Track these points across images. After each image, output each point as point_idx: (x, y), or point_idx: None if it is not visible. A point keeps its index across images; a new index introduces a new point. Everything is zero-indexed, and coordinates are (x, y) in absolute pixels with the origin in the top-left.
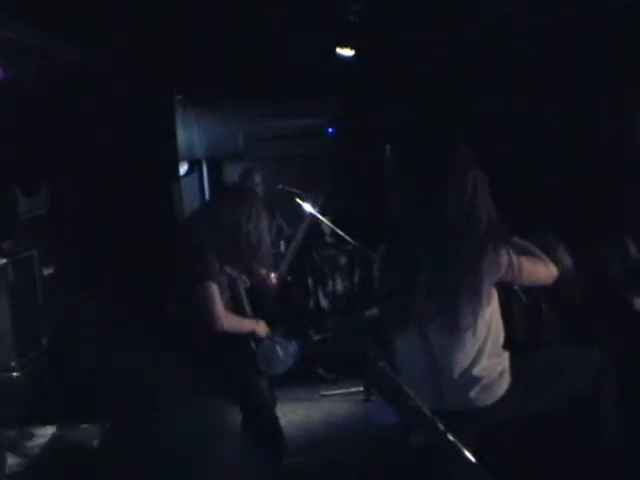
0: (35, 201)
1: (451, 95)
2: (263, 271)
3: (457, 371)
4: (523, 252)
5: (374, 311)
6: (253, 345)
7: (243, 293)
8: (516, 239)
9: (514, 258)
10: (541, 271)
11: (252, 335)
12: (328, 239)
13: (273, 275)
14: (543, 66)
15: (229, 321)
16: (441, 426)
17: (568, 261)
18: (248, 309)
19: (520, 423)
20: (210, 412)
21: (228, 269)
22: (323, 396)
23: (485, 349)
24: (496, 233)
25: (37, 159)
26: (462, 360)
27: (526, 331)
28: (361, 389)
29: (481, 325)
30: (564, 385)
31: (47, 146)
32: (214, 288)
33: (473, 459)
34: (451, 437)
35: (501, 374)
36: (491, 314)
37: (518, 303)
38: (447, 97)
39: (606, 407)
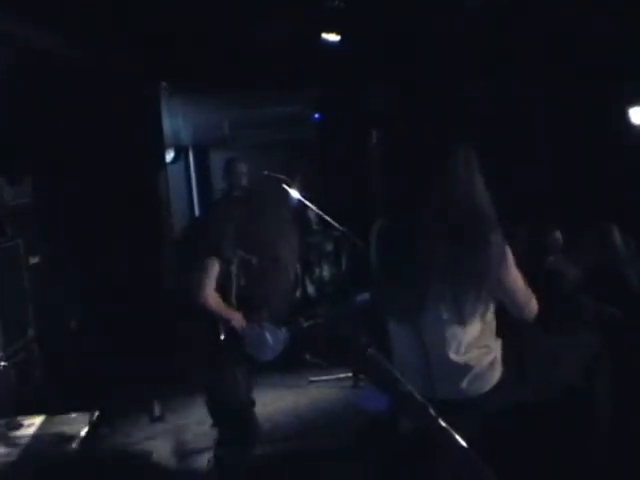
0: (19, 190)
1: (435, 82)
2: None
3: (448, 360)
4: None
5: (365, 296)
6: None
7: (234, 285)
8: None
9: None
10: (524, 292)
11: (226, 324)
12: (314, 226)
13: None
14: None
15: (212, 299)
16: (432, 411)
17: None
18: (234, 301)
19: (513, 412)
20: None
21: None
22: (311, 382)
23: (478, 339)
24: (500, 224)
25: (20, 147)
26: (454, 350)
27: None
28: (350, 375)
29: (478, 315)
30: (559, 373)
31: (30, 135)
32: (215, 265)
33: (465, 444)
34: (442, 422)
35: (492, 364)
36: (488, 304)
37: None
38: (430, 84)
39: (600, 394)
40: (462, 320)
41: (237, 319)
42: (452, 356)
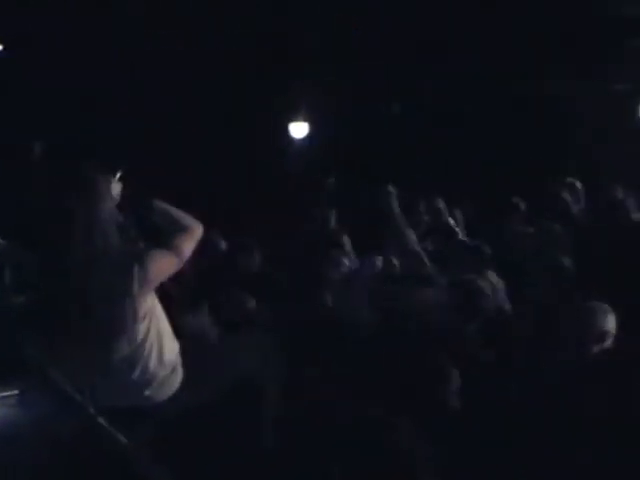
0: None
1: None
2: None
3: (133, 371)
4: (166, 216)
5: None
6: None
7: None
8: (157, 203)
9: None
10: (166, 265)
11: None
12: None
13: None
14: None
15: None
16: (92, 410)
17: None
18: None
19: (192, 413)
20: None
21: None
22: None
23: (157, 349)
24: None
25: None
26: (134, 361)
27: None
28: (16, 392)
29: (143, 329)
30: (233, 370)
31: None
32: None
33: (125, 440)
34: (103, 421)
35: (174, 369)
36: (151, 316)
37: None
38: None
39: (270, 391)
40: (132, 339)
41: None
42: (134, 375)
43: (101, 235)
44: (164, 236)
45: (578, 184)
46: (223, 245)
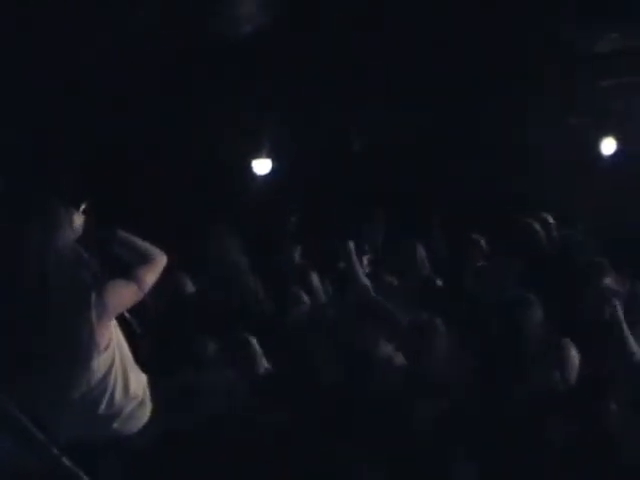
0: None
1: None
2: None
3: (99, 406)
4: (129, 247)
5: None
6: None
7: None
8: (121, 233)
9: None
10: (126, 296)
11: None
12: None
13: None
14: None
15: None
16: (56, 450)
17: None
18: None
19: (159, 447)
20: None
21: None
22: None
23: (122, 381)
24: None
25: None
26: (99, 395)
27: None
28: None
29: (105, 361)
30: (199, 405)
31: None
32: None
33: None
34: (67, 461)
35: (142, 402)
36: (114, 348)
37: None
38: None
39: (235, 428)
40: (94, 372)
41: None
42: (100, 409)
43: (57, 264)
44: (126, 267)
45: (550, 218)
46: (188, 285)
